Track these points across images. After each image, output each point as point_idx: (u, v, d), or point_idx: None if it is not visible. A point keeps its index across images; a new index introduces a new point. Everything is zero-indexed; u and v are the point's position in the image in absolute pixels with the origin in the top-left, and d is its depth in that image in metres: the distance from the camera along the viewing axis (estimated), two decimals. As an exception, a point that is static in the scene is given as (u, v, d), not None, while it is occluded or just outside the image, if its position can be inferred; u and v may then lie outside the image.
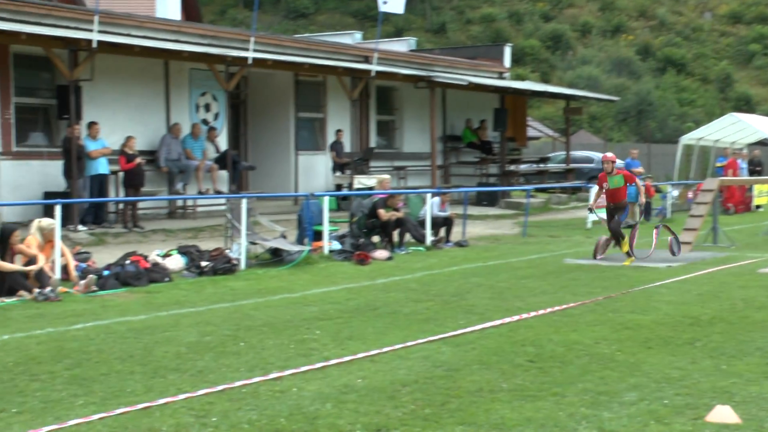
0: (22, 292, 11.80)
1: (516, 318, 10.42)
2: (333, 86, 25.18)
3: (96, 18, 17.43)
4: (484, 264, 15.62)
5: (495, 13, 74.68)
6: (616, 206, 15.87)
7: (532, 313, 10.70)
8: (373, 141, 27.10)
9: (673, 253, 16.23)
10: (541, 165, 33.55)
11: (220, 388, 7.29)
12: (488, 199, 27.58)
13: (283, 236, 16.29)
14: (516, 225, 23.36)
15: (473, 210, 23.75)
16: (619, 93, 54.42)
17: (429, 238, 18.21)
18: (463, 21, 75.03)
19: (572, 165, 33.61)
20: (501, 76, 32.04)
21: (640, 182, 17.03)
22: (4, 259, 11.94)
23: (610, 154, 16.13)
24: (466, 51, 36.47)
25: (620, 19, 75.68)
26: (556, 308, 11.07)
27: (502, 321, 10.23)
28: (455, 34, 71.57)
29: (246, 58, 20.26)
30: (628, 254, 15.73)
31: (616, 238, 15.86)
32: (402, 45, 33.99)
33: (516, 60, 46.56)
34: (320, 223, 16.56)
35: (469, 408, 6.83)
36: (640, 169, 26.12)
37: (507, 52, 33.10)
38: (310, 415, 6.58)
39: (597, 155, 37.55)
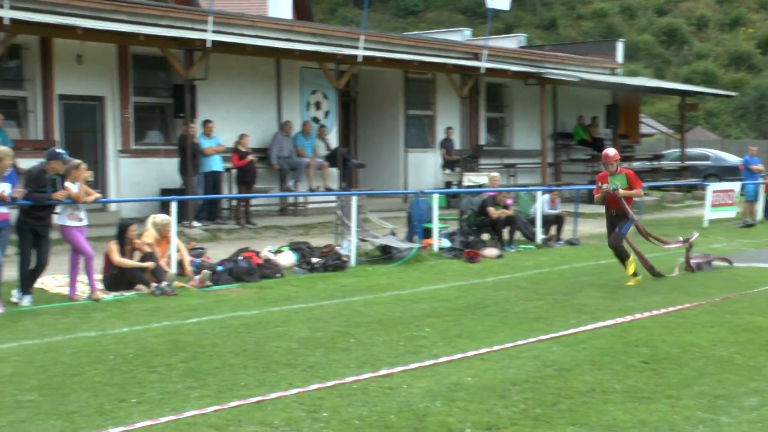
0: (140, 286, 12.14)
1: (629, 318, 10.21)
2: (442, 83, 25.14)
3: (210, 18, 17.80)
4: (596, 263, 15.35)
5: (607, 8, 73.41)
6: (618, 213, 13.02)
7: (646, 314, 10.48)
8: (483, 138, 26.96)
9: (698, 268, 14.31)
10: (655, 162, 32.81)
11: (330, 383, 7.35)
12: (599, 197, 27.09)
13: (393, 233, 16.33)
14: (628, 223, 22.90)
15: (584, 208, 23.35)
16: (738, 88, 52.84)
17: (539, 236, 18.01)
18: (574, 16, 74.00)
19: (687, 162, 32.78)
20: (613, 72, 31.47)
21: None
22: (123, 254, 12.30)
23: (612, 152, 13.09)
24: (577, 47, 35.97)
25: (739, 12, 73.45)
26: (671, 309, 10.82)
27: (614, 321, 10.04)
28: (566, 29, 70.63)
29: (356, 56, 20.39)
30: (635, 273, 13.05)
31: (619, 255, 13.15)
32: (512, 41, 33.72)
33: (629, 55, 45.61)
34: (430, 221, 16.56)
35: (580, 409, 6.72)
36: (760, 167, 25.27)
37: (619, 47, 32.50)
38: (420, 413, 6.58)
39: (714, 152, 36.59)
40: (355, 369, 7.87)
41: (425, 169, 25.20)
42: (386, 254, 15.47)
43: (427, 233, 16.47)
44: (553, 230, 18.50)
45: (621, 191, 12.73)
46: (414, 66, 23.03)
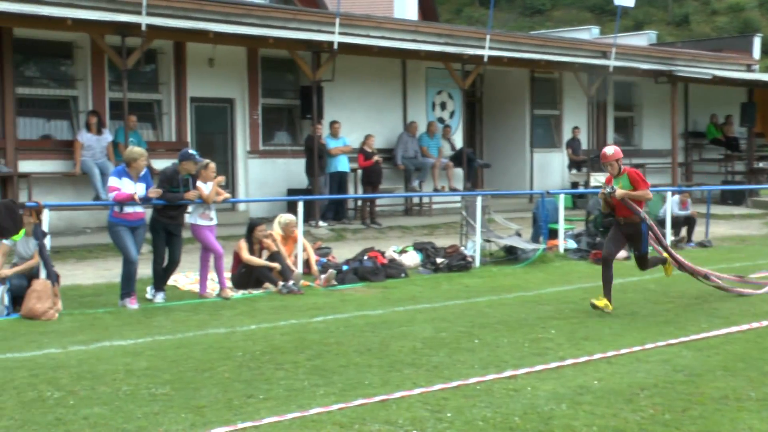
0: (267, 285, 12.38)
1: (765, 323, 9.86)
2: (569, 83, 24.81)
3: (337, 20, 18.00)
4: (729, 265, 14.85)
5: (744, 2, 70.96)
6: (626, 221, 10.87)
7: (783, 319, 10.10)
8: (611, 138, 26.46)
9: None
10: (793, 162, 31.54)
11: (454, 384, 7.33)
12: (734, 198, 26.27)
13: (518, 234, 16.21)
14: (765, 225, 22.14)
15: (717, 209, 22.70)
16: None
17: (669, 237, 17.56)
18: (708, 12, 71.79)
19: (828, 162, 31.38)
20: (749, 69, 30.38)
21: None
22: (252, 253, 12.56)
23: (610, 151, 10.85)
24: (710, 43, 34.86)
25: None
26: (810, 314, 10.39)
27: (749, 326, 9.71)
28: (699, 25, 68.61)
29: (482, 56, 20.31)
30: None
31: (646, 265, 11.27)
32: (641, 39, 32.97)
33: (767, 51, 43.95)
34: (555, 221, 16.36)
35: (712, 416, 6.52)
36: None
37: (756, 42, 31.34)
38: (545, 415, 6.50)
39: None
40: (479, 370, 7.83)
41: (551, 170, 24.91)
42: (511, 255, 15.35)
43: (552, 234, 16.27)
44: (683, 232, 18.03)
45: (619, 191, 10.67)
46: (540, 65, 22.80)
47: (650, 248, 11.16)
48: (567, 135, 25.11)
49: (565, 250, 15.87)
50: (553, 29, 42.34)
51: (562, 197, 16.45)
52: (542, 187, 21.53)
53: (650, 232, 11.04)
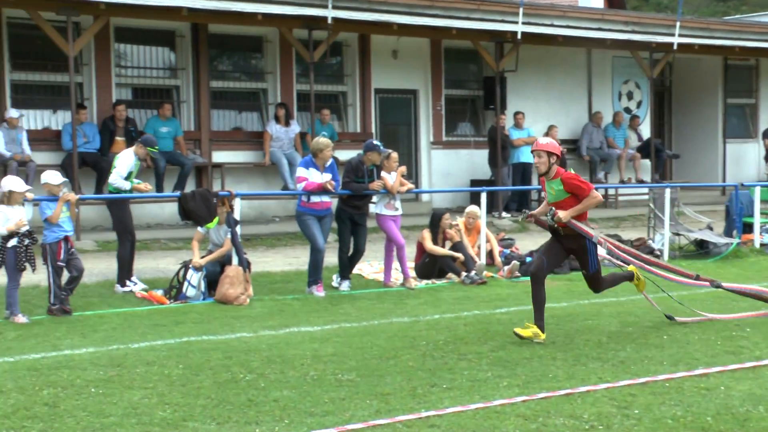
0: (451, 275, 12.41)
1: None
2: (767, 70, 23.68)
3: (521, 10, 17.82)
4: None
5: None
6: (567, 234, 8.66)
7: None
8: (812, 128, 25.11)
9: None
10: None
11: (642, 380, 7.13)
12: None
13: (710, 228, 15.66)
14: None
15: None
16: None
17: None
18: None
19: None
20: None
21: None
22: (435, 243, 12.62)
23: (544, 140, 8.77)
24: None
25: None
26: None
27: None
28: None
29: (671, 44, 19.67)
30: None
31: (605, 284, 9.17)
32: None
33: None
34: (750, 215, 15.68)
35: None
36: None
37: None
38: (740, 417, 6.22)
39: None
40: (668, 367, 7.58)
41: (746, 161, 23.89)
42: (702, 249, 14.85)
43: (747, 228, 15.61)
44: None
45: (562, 214, 8.49)
46: (735, 52, 21.87)
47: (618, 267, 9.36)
48: (763, 125, 24.03)
49: (761, 245, 15.18)
50: (749, 14, 40.44)
51: (758, 190, 15.73)
52: (736, 179, 20.65)
53: (609, 246, 9.05)
